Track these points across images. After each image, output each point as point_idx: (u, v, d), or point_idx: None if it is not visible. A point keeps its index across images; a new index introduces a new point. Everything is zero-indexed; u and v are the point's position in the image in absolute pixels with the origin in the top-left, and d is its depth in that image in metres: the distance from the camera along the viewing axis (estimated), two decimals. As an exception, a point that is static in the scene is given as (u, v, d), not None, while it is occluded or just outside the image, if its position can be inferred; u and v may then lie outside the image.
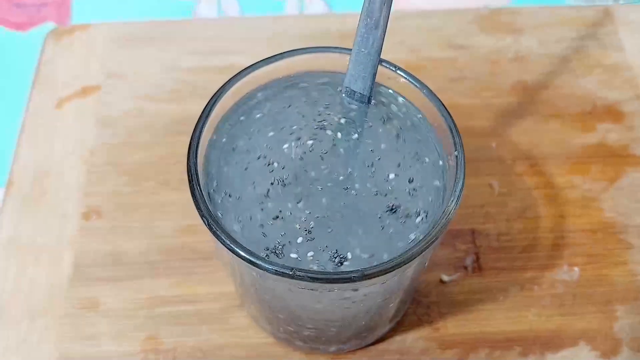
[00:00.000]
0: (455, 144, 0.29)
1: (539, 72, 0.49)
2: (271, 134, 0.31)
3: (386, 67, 0.31)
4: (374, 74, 0.30)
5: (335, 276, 0.26)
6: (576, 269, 0.41)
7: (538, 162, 0.45)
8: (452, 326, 0.39)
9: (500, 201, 0.43)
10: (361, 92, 0.31)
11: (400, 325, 0.39)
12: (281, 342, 0.38)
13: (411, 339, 0.39)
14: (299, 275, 0.26)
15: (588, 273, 0.41)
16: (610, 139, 0.46)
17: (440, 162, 0.30)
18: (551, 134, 0.46)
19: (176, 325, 0.39)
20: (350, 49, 0.30)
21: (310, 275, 0.26)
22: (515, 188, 0.44)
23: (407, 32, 0.51)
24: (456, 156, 0.29)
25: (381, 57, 0.30)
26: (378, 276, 0.26)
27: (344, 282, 0.26)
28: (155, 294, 0.40)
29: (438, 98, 0.31)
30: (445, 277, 0.41)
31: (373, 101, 0.31)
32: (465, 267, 0.41)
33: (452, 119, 0.30)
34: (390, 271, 0.26)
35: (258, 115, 0.32)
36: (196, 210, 0.28)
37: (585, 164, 0.45)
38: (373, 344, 0.38)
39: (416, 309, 0.40)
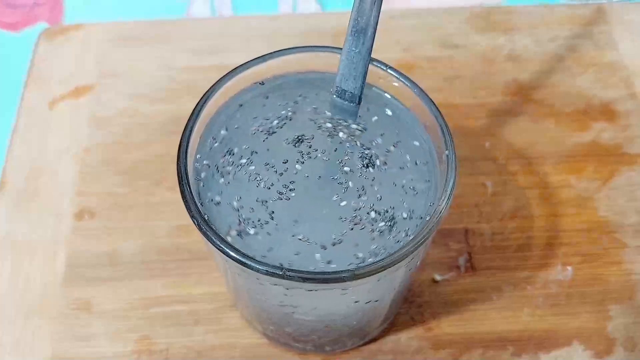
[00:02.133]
0: (446, 143, 0.29)
1: (534, 71, 0.49)
2: (261, 133, 0.31)
3: (377, 66, 0.31)
4: (365, 73, 0.30)
5: (326, 276, 0.26)
6: (570, 268, 0.41)
7: (532, 161, 0.45)
8: (446, 326, 0.39)
9: (493, 200, 0.43)
10: (352, 92, 0.30)
11: (393, 325, 0.39)
12: (274, 342, 0.38)
13: (404, 338, 0.39)
14: (289, 275, 0.26)
15: (582, 272, 0.41)
16: (605, 138, 0.46)
17: (431, 161, 0.30)
18: (545, 133, 0.46)
19: (170, 325, 0.39)
20: (342, 48, 0.30)
21: (300, 275, 0.26)
22: (509, 187, 0.44)
23: (401, 31, 0.51)
24: (447, 155, 0.29)
25: (373, 56, 0.30)
26: (369, 276, 0.26)
27: (335, 282, 0.26)
28: (149, 295, 0.40)
29: (429, 97, 0.31)
30: (438, 277, 0.41)
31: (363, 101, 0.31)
32: (458, 267, 0.41)
33: (443, 118, 0.30)
34: (381, 271, 0.26)
35: (248, 115, 0.32)
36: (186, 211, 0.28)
37: (580, 163, 0.45)
38: (366, 343, 0.38)
39: (409, 309, 0.40)
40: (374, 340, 0.38)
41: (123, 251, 0.41)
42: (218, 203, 0.29)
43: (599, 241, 0.42)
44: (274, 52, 0.32)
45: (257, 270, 0.26)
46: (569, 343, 0.39)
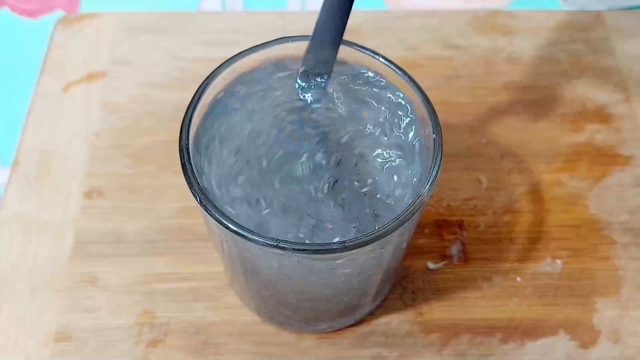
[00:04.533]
0: (433, 127, 0.30)
1: (531, 73, 0.50)
2: (264, 115, 0.33)
3: (368, 54, 0.33)
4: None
5: (318, 247, 0.27)
6: (559, 262, 0.42)
7: (526, 159, 0.46)
8: (437, 312, 0.40)
9: (488, 195, 0.45)
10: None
11: (386, 309, 0.40)
12: (268, 321, 0.39)
13: (396, 322, 0.40)
14: (282, 246, 0.27)
15: (571, 266, 0.42)
16: (598, 139, 0.47)
17: (422, 146, 0.32)
18: (540, 132, 0.48)
19: (171, 301, 0.40)
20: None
21: (293, 246, 0.27)
22: (503, 183, 0.45)
23: (405, 30, 0.53)
24: (434, 138, 0.30)
25: (377, 52, 0.31)
26: (358, 248, 0.27)
27: (326, 253, 0.27)
28: (152, 271, 0.41)
29: (417, 84, 0.32)
30: (431, 265, 0.42)
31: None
32: (452, 256, 0.42)
33: (430, 104, 0.31)
34: (370, 243, 0.27)
35: (245, 98, 0.34)
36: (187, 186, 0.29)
37: (573, 162, 0.46)
38: (359, 325, 0.40)
39: (402, 295, 0.41)
40: (366, 322, 0.40)
41: (129, 230, 0.43)
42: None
43: (588, 237, 0.43)
44: (272, 40, 0.34)
45: (253, 241, 0.27)
46: (555, 332, 0.40)
